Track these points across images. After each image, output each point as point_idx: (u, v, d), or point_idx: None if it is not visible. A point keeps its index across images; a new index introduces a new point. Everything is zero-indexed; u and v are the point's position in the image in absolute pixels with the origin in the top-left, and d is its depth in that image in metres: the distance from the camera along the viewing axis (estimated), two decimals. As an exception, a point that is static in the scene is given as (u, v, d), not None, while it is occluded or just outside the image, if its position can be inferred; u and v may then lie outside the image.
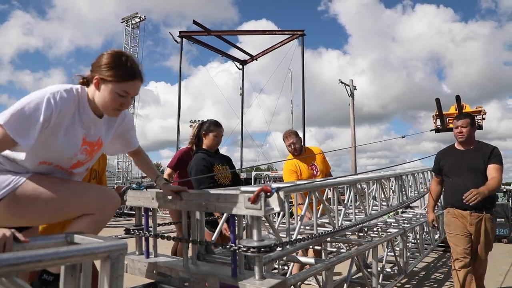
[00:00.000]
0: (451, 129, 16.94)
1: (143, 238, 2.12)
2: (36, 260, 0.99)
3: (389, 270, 4.03)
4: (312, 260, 2.45)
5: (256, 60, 16.46)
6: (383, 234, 3.92)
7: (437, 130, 15.70)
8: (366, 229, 3.86)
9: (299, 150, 4.07)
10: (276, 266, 3.90)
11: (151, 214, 2.12)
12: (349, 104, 20.29)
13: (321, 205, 2.80)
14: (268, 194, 1.50)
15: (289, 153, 4.19)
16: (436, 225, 3.75)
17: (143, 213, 2.14)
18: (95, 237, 1.31)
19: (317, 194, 2.61)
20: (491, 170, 3.26)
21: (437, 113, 15.32)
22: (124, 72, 1.55)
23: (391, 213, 5.42)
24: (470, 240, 3.35)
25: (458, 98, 14.21)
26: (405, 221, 5.05)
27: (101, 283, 1.18)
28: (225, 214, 2.35)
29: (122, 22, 33.07)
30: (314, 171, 4.06)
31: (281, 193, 1.58)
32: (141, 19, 32.17)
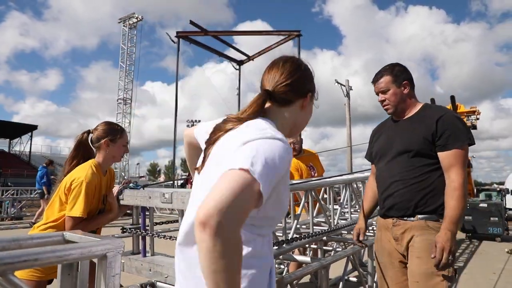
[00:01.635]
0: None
1: (140, 237, 2.13)
2: (32, 259, 1.00)
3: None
4: (308, 259, 2.46)
5: (253, 60, 16.45)
6: (378, 233, 3.93)
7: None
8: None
9: (299, 151, 4.09)
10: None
11: (148, 213, 2.13)
12: (344, 104, 20.36)
13: (317, 204, 2.81)
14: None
15: None
16: (362, 243, 2.23)
17: (140, 212, 2.15)
18: (92, 236, 1.32)
19: (313, 193, 2.63)
20: (447, 163, 1.82)
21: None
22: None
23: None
24: (402, 270, 1.97)
25: (452, 98, 14.28)
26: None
27: (97, 282, 1.18)
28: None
29: (119, 23, 32.94)
30: (312, 173, 4.09)
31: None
32: (138, 19, 32.09)
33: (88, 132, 2.22)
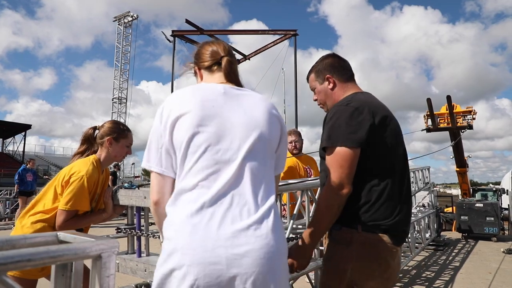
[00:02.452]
0: (442, 129, 17.05)
1: (135, 237, 2.11)
2: (25, 259, 0.98)
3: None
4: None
5: (249, 59, 16.47)
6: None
7: (428, 130, 15.86)
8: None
9: (299, 149, 4.13)
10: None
11: (143, 213, 2.12)
12: (341, 104, 20.37)
13: (314, 204, 2.80)
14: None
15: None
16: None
17: (135, 212, 2.13)
18: (86, 236, 1.30)
19: (309, 193, 2.62)
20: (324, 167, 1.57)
21: (428, 113, 15.47)
22: None
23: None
24: None
25: (449, 98, 14.36)
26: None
27: (92, 282, 1.17)
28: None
29: (114, 21, 32.82)
30: (309, 175, 4.08)
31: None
32: (134, 17, 32.00)
33: (95, 128, 2.21)
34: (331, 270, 1.57)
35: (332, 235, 1.60)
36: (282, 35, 14.94)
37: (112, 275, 1.21)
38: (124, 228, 2.13)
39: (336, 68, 1.75)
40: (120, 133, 2.17)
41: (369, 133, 1.49)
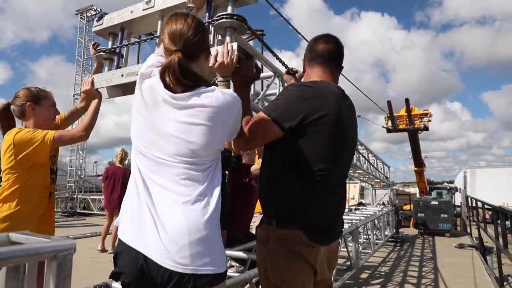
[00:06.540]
0: (401, 130, 17.62)
1: (115, 58, 2.12)
2: (-27, 262, 0.93)
3: (342, 265, 4.16)
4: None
5: (216, 58, 16.38)
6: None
7: (388, 130, 16.44)
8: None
9: None
10: (233, 264, 3.91)
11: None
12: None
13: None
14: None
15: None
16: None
17: (118, 33, 2.10)
18: (41, 237, 1.26)
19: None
20: None
21: (389, 114, 16.04)
22: None
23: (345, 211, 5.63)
24: None
25: (407, 101, 14.97)
26: (356, 219, 5.25)
27: (46, 284, 1.13)
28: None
29: (76, 14, 31.68)
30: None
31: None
32: (97, 12, 30.94)
33: (8, 103, 2.03)
34: (259, 270, 1.51)
35: (256, 234, 1.54)
36: (249, 35, 14.99)
37: (68, 277, 1.17)
38: (105, 50, 2.09)
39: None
40: (38, 95, 2.02)
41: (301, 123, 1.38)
